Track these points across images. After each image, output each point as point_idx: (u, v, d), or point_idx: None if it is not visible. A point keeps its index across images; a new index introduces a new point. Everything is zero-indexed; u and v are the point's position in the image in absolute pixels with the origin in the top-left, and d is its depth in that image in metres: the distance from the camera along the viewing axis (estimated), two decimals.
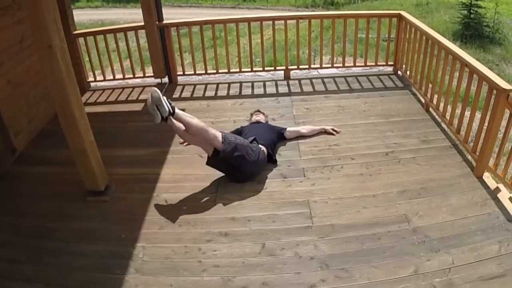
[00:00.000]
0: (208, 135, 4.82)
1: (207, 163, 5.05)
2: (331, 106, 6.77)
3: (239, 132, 5.65)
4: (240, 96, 7.43)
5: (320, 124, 6.12)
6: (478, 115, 5.28)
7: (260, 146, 5.19)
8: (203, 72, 8.03)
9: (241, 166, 4.93)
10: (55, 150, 5.78)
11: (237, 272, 3.90)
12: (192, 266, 4.00)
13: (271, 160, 5.35)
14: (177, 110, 4.80)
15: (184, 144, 5.84)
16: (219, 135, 4.85)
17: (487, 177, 4.94)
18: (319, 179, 5.08)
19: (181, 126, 4.93)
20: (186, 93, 7.58)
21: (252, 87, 7.74)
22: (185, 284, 3.82)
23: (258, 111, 6.24)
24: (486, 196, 4.65)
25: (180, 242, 4.27)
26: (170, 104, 4.76)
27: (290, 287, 3.74)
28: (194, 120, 4.88)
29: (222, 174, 5.18)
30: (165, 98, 4.72)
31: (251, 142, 5.16)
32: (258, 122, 5.88)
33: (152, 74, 7.97)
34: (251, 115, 6.17)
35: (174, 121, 4.88)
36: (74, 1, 26.92)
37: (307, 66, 8.05)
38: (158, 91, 4.66)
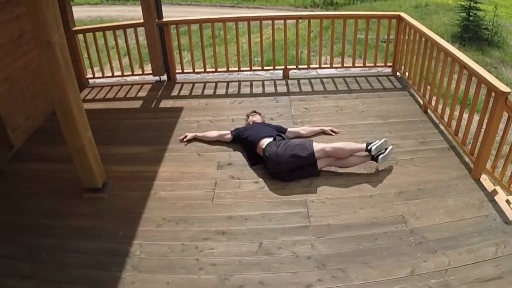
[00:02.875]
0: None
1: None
2: (330, 106, 6.77)
3: (240, 132, 5.66)
4: (238, 95, 7.42)
5: (319, 124, 6.13)
6: (476, 117, 5.28)
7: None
8: (202, 70, 8.01)
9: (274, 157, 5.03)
10: (52, 147, 5.77)
11: (234, 271, 3.90)
12: (189, 264, 4.00)
13: None
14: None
15: (184, 141, 5.85)
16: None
17: (484, 179, 4.95)
18: (316, 179, 5.08)
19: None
20: (185, 91, 7.57)
21: (251, 86, 7.73)
22: (182, 282, 3.82)
23: (254, 111, 6.23)
24: (483, 198, 4.65)
25: (177, 240, 4.27)
26: None
27: (286, 286, 3.74)
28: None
29: (220, 173, 5.22)
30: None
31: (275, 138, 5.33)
32: (255, 123, 5.86)
33: (151, 72, 7.95)
34: (247, 116, 6.15)
35: None
36: None
37: (306, 66, 8.05)
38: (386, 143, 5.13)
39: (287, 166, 4.95)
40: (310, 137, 5.85)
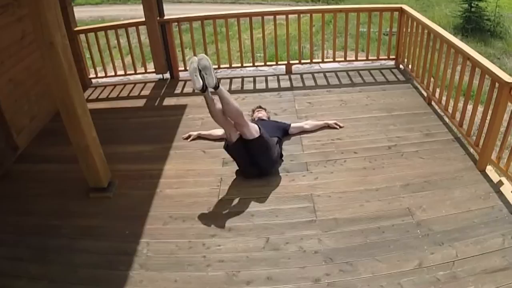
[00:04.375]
0: (243, 120, 4.77)
1: (226, 148, 5.01)
2: (333, 100, 6.77)
3: None
4: (242, 91, 7.42)
5: (323, 118, 6.12)
6: (480, 108, 5.27)
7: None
8: None
9: (261, 159, 4.94)
10: (57, 148, 5.79)
11: (241, 267, 3.91)
12: (196, 261, 4.00)
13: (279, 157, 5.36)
14: (221, 86, 4.73)
15: (189, 139, 5.89)
16: (253, 125, 4.86)
17: (489, 170, 4.94)
18: (322, 173, 5.09)
19: (216, 102, 4.80)
20: (188, 89, 7.57)
21: (254, 82, 7.73)
22: (189, 279, 3.82)
23: (260, 107, 6.22)
24: (489, 190, 4.64)
25: (184, 238, 4.28)
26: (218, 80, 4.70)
27: (294, 281, 3.74)
28: (235, 102, 4.84)
29: (225, 169, 5.21)
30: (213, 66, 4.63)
31: (276, 143, 5.22)
32: (260, 119, 5.85)
33: (154, 70, 7.97)
34: (253, 111, 6.15)
35: (215, 97, 4.79)
36: None
37: (308, 61, 8.05)
38: (209, 61, 4.56)
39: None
40: (314, 131, 5.85)
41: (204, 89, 4.59)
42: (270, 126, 5.55)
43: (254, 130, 4.80)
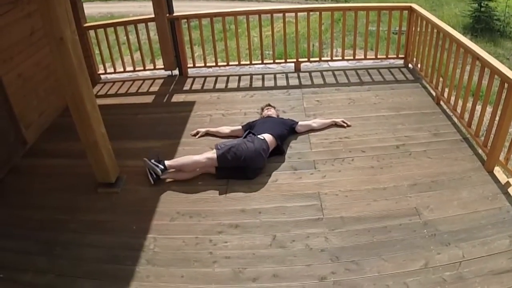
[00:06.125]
0: (202, 162, 5.05)
1: (217, 178, 5.11)
2: (342, 99, 6.76)
3: (250, 126, 5.65)
4: (250, 88, 7.43)
5: (331, 116, 6.11)
6: (489, 109, 5.25)
7: (261, 136, 5.22)
8: (214, 64, 8.03)
9: (241, 162, 4.96)
10: (65, 143, 5.82)
11: (247, 264, 3.92)
12: (203, 257, 4.02)
13: (278, 151, 5.36)
14: (166, 162, 5.07)
15: (197, 136, 5.89)
16: (210, 154, 5.06)
17: (497, 171, 4.92)
18: (329, 171, 5.09)
19: (177, 172, 5.13)
20: (197, 86, 7.59)
21: (263, 79, 7.73)
22: (196, 275, 3.84)
23: (269, 105, 6.23)
24: (496, 191, 4.63)
25: (191, 234, 4.30)
26: (159, 162, 5.06)
27: (300, 279, 3.75)
28: (183, 159, 5.12)
29: None
30: (152, 160, 5.04)
31: (245, 136, 5.30)
32: (269, 116, 5.86)
33: (163, 67, 7.99)
34: (262, 109, 6.16)
35: (170, 172, 5.11)
36: None
37: (317, 59, 8.04)
38: (145, 160, 5.03)
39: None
40: (322, 129, 5.85)
41: (159, 178, 5.05)
42: (277, 123, 5.57)
43: (211, 154, 5.05)
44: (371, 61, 8.09)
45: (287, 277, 3.77)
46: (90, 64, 7.47)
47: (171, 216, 4.55)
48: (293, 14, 7.73)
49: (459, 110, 5.73)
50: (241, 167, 4.99)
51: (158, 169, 4.95)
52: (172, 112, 6.73)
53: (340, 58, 8.04)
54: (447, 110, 6.16)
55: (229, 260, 3.98)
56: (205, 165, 5.03)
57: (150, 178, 4.99)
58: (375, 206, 4.51)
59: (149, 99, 7.25)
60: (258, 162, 5.08)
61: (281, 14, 7.69)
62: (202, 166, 5.05)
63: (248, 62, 8.07)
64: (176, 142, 5.81)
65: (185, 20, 7.71)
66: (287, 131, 5.62)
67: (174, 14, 7.52)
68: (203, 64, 8.00)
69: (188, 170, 5.07)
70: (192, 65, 8.00)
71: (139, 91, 7.60)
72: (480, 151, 5.28)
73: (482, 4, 15.43)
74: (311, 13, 7.72)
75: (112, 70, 8.12)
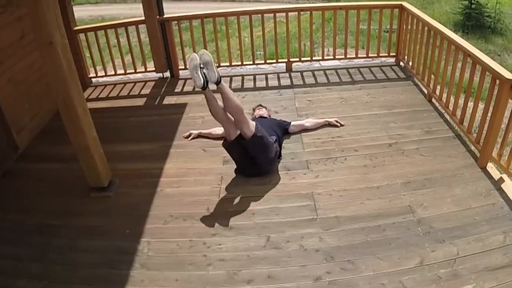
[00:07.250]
0: (243, 117, 4.76)
1: (224, 145, 5.01)
2: (334, 98, 6.76)
3: None
4: (242, 89, 7.42)
5: (323, 116, 6.11)
6: (481, 105, 5.26)
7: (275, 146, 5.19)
8: None
9: (258, 158, 4.93)
10: (58, 147, 5.79)
11: (242, 266, 3.91)
12: (197, 260, 4.00)
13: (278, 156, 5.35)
14: (222, 81, 4.73)
15: (189, 138, 5.88)
16: (252, 123, 4.84)
17: (490, 167, 4.93)
18: (322, 171, 5.08)
19: (217, 99, 4.80)
20: (188, 87, 7.56)
21: (254, 80, 7.72)
22: (190, 278, 3.82)
23: (260, 105, 6.21)
24: (490, 187, 4.64)
25: (184, 237, 4.28)
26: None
27: (295, 279, 3.74)
28: (236, 97, 4.84)
29: (226, 168, 5.20)
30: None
31: (275, 141, 5.17)
32: (262, 117, 5.84)
33: (154, 69, 7.96)
34: (253, 109, 6.14)
35: (216, 91, 4.78)
36: None
37: (309, 58, 8.04)
38: (210, 55, 4.57)
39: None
40: (315, 129, 5.84)
41: (205, 86, 4.59)
42: (270, 124, 5.53)
43: (253, 128, 4.79)
44: (363, 59, 8.10)
45: (282, 278, 3.76)
46: (81, 67, 7.43)
47: (165, 219, 4.53)
48: (284, 14, 7.73)
49: (451, 107, 5.75)
50: (251, 157, 4.94)
51: (216, 75, 4.60)
52: (164, 115, 6.70)
53: (332, 57, 8.03)
54: (439, 108, 6.17)
55: (224, 262, 3.96)
56: (240, 121, 4.75)
57: (198, 77, 4.54)
58: (369, 205, 4.51)
59: (140, 101, 7.22)
60: (264, 170, 5.09)
61: (271, 14, 7.68)
62: (238, 119, 4.75)
63: (239, 63, 8.05)
64: (168, 145, 5.79)
65: (176, 22, 7.69)
66: (281, 133, 5.62)
67: (165, 16, 7.50)
68: None
69: (229, 109, 4.76)
70: (183, 67, 7.96)
71: (131, 94, 7.57)
72: (472, 147, 5.28)
73: (472, 1, 15.44)
74: (301, 12, 7.72)
75: (103, 73, 8.08)
